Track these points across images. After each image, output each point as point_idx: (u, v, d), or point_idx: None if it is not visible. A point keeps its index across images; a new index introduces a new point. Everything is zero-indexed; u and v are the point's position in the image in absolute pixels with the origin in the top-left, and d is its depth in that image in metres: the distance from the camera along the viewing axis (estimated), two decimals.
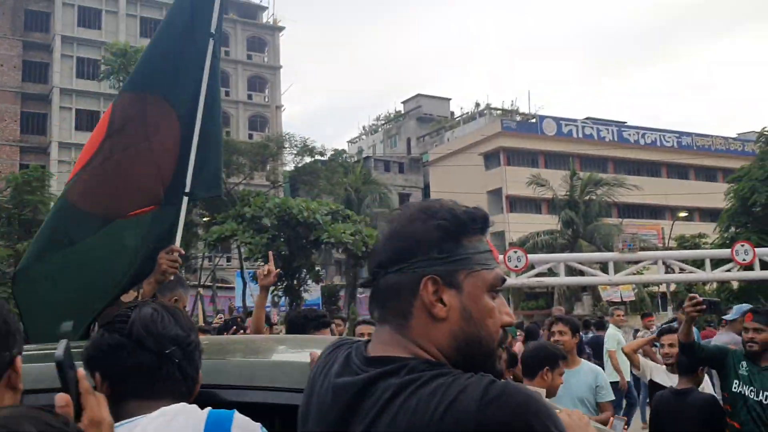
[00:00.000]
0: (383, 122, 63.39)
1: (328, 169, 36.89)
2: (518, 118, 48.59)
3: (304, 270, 23.19)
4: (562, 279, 18.65)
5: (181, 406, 1.41)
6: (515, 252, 17.79)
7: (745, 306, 5.02)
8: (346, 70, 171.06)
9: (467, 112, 55.00)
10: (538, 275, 19.14)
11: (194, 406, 1.43)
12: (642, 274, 21.04)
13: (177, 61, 3.14)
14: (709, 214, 37.10)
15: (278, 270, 3.93)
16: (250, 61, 49.02)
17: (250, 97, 48.13)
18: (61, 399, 1.18)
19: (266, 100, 49.18)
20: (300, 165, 36.10)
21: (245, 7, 50.73)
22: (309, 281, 24.44)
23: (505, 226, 39.53)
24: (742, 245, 17.07)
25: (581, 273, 20.08)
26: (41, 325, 2.89)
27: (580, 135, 44.58)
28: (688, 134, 47.60)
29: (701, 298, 4.18)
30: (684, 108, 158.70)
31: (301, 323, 3.60)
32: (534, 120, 46.03)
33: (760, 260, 16.27)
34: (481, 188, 42.39)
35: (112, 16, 43.96)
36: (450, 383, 1.05)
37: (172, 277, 2.98)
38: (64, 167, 35.05)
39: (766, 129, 24.79)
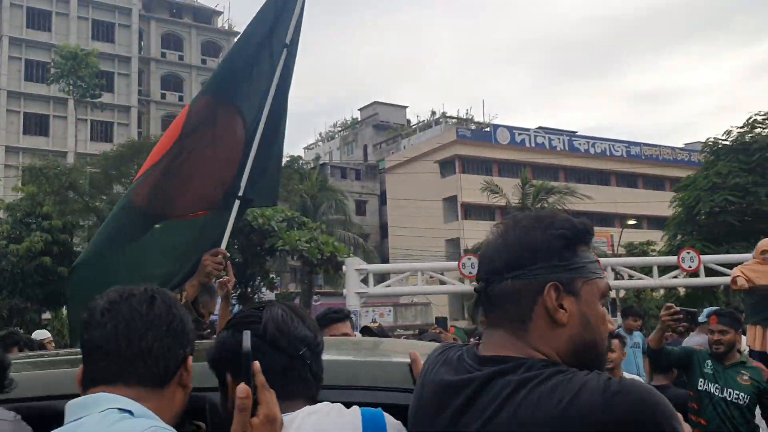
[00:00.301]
0: (340, 129, 63.41)
1: (284, 175, 36.67)
2: (473, 127, 49.21)
3: (258, 277, 23.00)
4: None
5: (327, 405, 1.40)
6: (469, 259, 17.93)
7: (713, 308, 5.22)
8: (303, 77, 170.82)
9: (423, 120, 55.48)
10: None
11: (340, 404, 1.41)
12: None
13: (252, 72, 3.15)
14: (656, 222, 38.10)
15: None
16: (204, 66, 48.53)
17: None
18: (243, 390, 1.22)
19: None
20: None
21: (200, 11, 50.27)
22: (263, 289, 24.24)
23: (460, 233, 39.96)
24: (688, 252, 17.53)
25: None
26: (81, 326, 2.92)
27: (533, 144, 45.38)
28: (637, 144, 48.89)
29: (678, 308, 4.32)
30: (633, 118, 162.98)
31: (329, 319, 3.59)
32: (488, 129, 46.70)
33: (705, 267, 16.73)
34: (437, 195, 42.77)
35: (63, 18, 43.04)
36: (569, 379, 1.11)
37: (214, 280, 2.98)
38: (11, 171, 34.03)
39: (710, 140, 25.60)
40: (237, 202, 3.01)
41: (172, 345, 1.37)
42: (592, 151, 46.85)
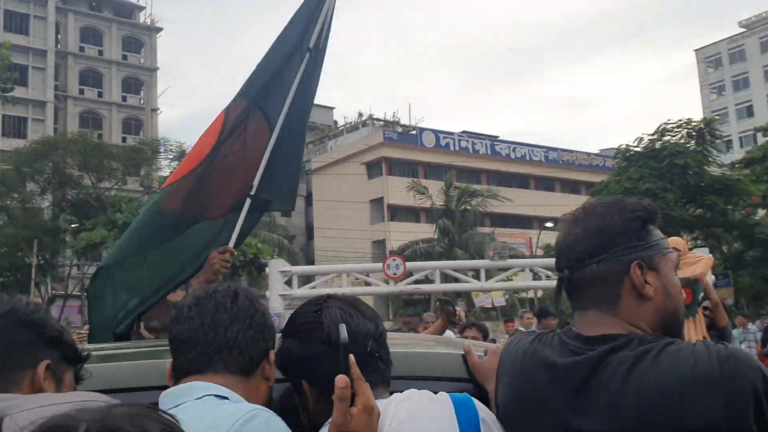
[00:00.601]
0: None
1: None
2: (399, 130, 49.65)
3: None
4: (438, 286, 19.20)
5: (415, 391, 1.43)
6: (394, 260, 18.19)
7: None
8: (228, 74, 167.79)
9: (350, 122, 55.55)
10: (416, 282, 19.65)
11: (427, 391, 1.44)
12: (511, 280, 22.09)
13: (281, 77, 3.12)
14: None
15: None
16: (125, 62, 47.05)
17: (124, 98, 46.18)
18: (342, 381, 1.23)
19: (141, 102, 47.35)
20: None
21: (121, 5, 48.70)
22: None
23: (386, 234, 40.26)
24: None
25: (456, 280, 20.82)
26: (100, 325, 2.87)
27: (457, 148, 46.23)
28: (555, 149, 50.51)
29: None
30: (552, 124, 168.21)
31: None
32: (414, 132, 47.25)
33: None
34: (364, 197, 42.95)
35: None
36: (680, 349, 1.24)
37: (220, 278, 2.95)
38: None
39: (622, 146, 26.75)
40: (248, 201, 3.00)
41: (255, 337, 1.43)
42: (513, 155, 48.12)
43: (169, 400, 1.35)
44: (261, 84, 3.12)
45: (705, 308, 4.88)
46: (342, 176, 43.98)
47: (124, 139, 42.72)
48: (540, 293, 27.28)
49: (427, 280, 20.83)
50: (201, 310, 1.43)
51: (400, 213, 42.79)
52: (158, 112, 47.38)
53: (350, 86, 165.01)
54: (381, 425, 1.29)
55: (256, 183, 2.99)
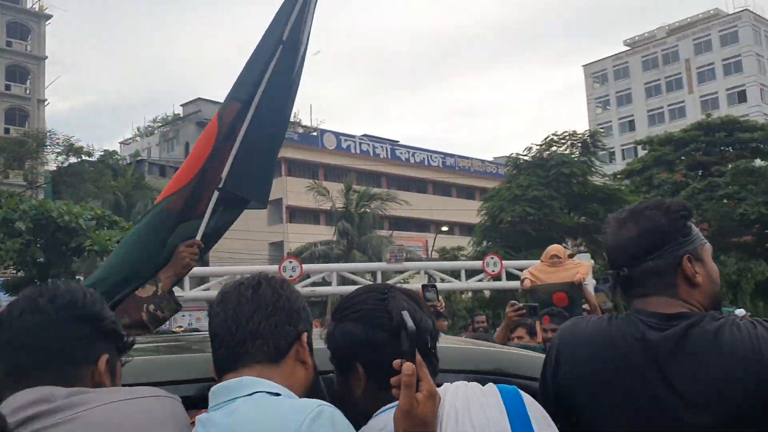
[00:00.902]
0: (160, 125, 60.74)
1: (96, 171, 34.50)
2: (300, 131, 49.42)
3: (63, 279, 21.46)
4: (335, 288, 19.31)
5: (463, 382, 1.48)
6: (290, 262, 18.15)
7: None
8: (123, 67, 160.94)
9: None
10: (312, 285, 19.67)
11: (474, 382, 1.49)
12: (408, 282, 22.54)
13: (259, 72, 3.02)
14: (467, 229, 40.59)
15: None
16: (9, 49, 44.21)
17: (8, 87, 43.39)
18: (409, 368, 1.26)
19: (27, 92, 44.66)
20: (64, 165, 33.31)
21: None
22: None
23: (284, 236, 39.95)
24: (492, 258, 18.78)
25: (353, 282, 21.00)
26: None
27: (358, 150, 46.54)
28: (452, 156, 51.85)
29: (521, 304, 4.62)
30: (450, 131, 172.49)
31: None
32: (315, 133, 47.17)
33: (507, 272, 18.02)
34: None
35: None
36: (743, 323, 1.50)
37: (189, 271, 2.88)
38: None
39: (513, 155, 27.91)
40: (216, 194, 2.92)
41: (279, 323, 1.43)
42: (412, 160, 48.99)
43: (220, 394, 1.36)
44: (246, 81, 3.05)
45: (584, 311, 5.22)
46: None
47: (6, 130, 40.18)
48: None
49: (324, 282, 20.91)
50: (225, 305, 1.45)
51: (299, 215, 42.57)
52: (45, 103, 44.84)
53: None
54: (440, 411, 1.35)
55: (224, 176, 2.91)
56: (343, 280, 20.93)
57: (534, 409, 1.47)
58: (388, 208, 35.78)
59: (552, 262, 5.84)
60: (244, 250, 35.64)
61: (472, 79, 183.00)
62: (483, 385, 1.49)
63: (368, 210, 35.19)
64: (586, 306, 5.24)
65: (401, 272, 20.05)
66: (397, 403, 1.31)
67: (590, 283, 6.92)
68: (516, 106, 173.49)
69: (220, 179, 2.91)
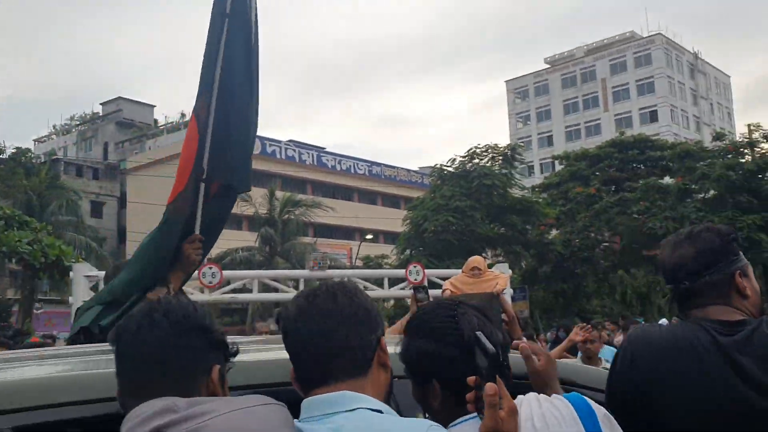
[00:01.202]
0: (78, 123, 58.48)
1: (7, 168, 32.88)
2: None
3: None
4: (256, 295, 18.96)
5: (532, 394, 1.54)
6: (210, 268, 17.69)
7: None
8: (40, 62, 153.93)
9: (172, 122, 53.45)
10: (233, 291, 19.36)
11: (537, 393, 1.57)
12: None
13: (215, 53, 2.94)
14: (391, 238, 40.98)
15: None
16: None
17: None
18: (493, 388, 1.31)
19: None
20: None
21: None
22: None
23: None
24: (414, 266, 18.93)
25: (275, 290, 20.79)
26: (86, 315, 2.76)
27: (283, 156, 46.19)
28: (378, 164, 52.24)
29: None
30: (377, 140, 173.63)
31: None
32: None
33: (429, 280, 18.23)
34: None
35: None
36: None
37: (197, 267, 2.88)
38: None
39: (437, 166, 28.40)
40: (202, 186, 2.90)
41: (363, 333, 1.43)
42: (338, 167, 49.03)
43: (317, 407, 1.37)
44: (209, 70, 2.99)
45: (502, 321, 5.40)
46: (160, 178, 42.10)
47: None
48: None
49: (245, 289, 20.61)
50: (306, 321, 1.44)
51: None
52: None
53: (174, 84, 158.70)
54: (519, 426, 1.40)
55: (205, 166, 2.90)
56: (265, 288, 20.69)
57: (602, 415, 1.55)
58: (312, 214, 35.67)
59: (472, 273, 6.01)
60: None
61: (400, 90, 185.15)
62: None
63: (292, 216, 34.96)
64: (503, 317, 5.42)
65: (324, 280, 20.01)
66: (472, 416, 1.39)
67: (508, 294, 7.16)
68: (441, 117, 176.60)
69: (203, 169, 2.92)
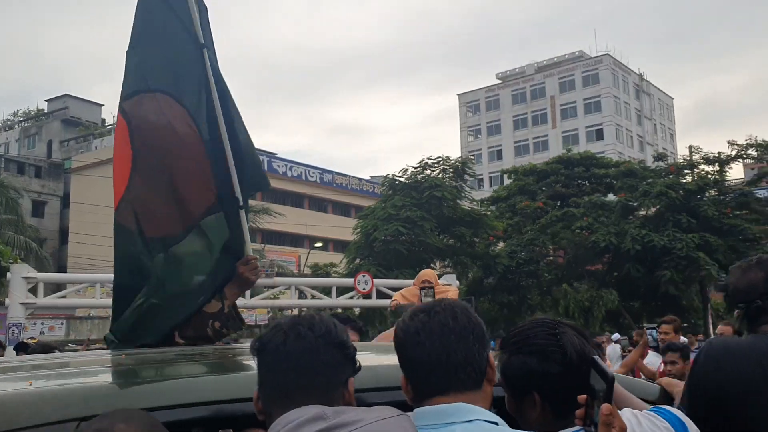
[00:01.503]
0: (22, 119, 56.68)
1: None
2: None
3: None
4: None
5: (629, 410, 1.67)
6: (363, 276, 17.85)
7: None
8: None
9: None
10: None
11: (635, 410, 1.71)
12: (277, 298, 22.32)
13: (172, 60, 2.97)
14: (341, 246, 40.92)
15: None
16: None
17: None
18: (608, 409, 1.36)
19: None
20: None
21: None
22: None
23: None
24: (363, 276, 19.03)
25: None
26: (125, 327, 2.81)
27: None
28: (330, 172, 52.13)
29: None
30: (330, 147, 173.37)
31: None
32: None
33: (377, 290, 18.32)
34: None
35: None
36: None
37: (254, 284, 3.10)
38: None
39: (389, 175, 28.56)
40: (241, 212, 3.06)
41: (480, 349, 1.53)
42: (289, 173, 48.71)
43: (431, 417, 1.45)
44: (150, 72, 3.00)
45: None
46: (105, 179, 41.01)
47: None
48: (305, 311, 27.82)
49: None
50: (429, 335, 1.52)
51: None
52: None
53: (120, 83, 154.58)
54: None
55: (238, 193, 3.02)
56: None
57: (686, 421, 1.71)
58: (261, 220, 35.35)
59: (423, 286, 6.11)
60: (105, 257, 33.87)
61: (354, 98, 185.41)
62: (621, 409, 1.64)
63: None
64: None
65: (272, 287, 19.85)
66: (576, 429, 1.52)
67: None
68: (394, 127, 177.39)
69: (236, 198, 3.02)
